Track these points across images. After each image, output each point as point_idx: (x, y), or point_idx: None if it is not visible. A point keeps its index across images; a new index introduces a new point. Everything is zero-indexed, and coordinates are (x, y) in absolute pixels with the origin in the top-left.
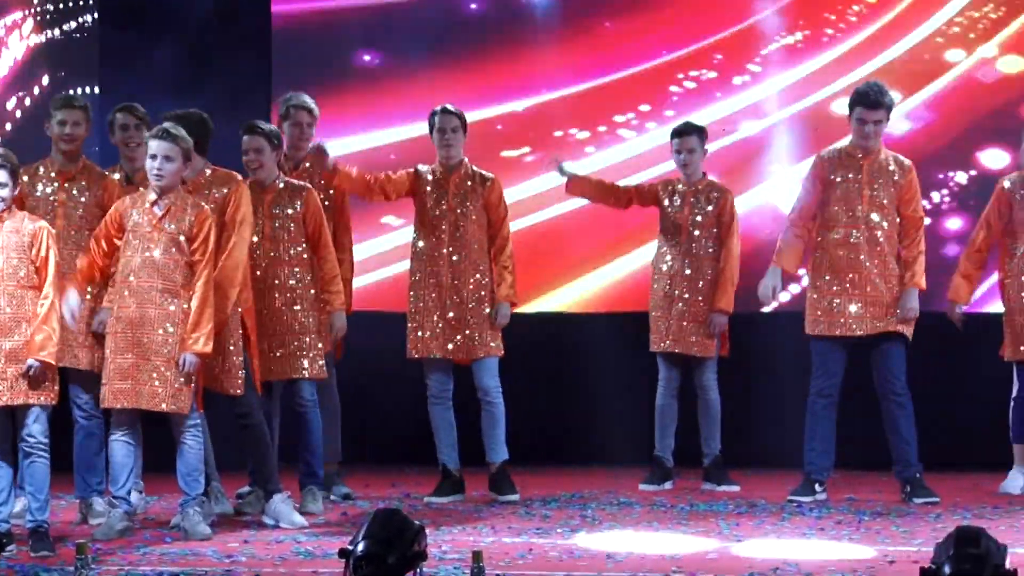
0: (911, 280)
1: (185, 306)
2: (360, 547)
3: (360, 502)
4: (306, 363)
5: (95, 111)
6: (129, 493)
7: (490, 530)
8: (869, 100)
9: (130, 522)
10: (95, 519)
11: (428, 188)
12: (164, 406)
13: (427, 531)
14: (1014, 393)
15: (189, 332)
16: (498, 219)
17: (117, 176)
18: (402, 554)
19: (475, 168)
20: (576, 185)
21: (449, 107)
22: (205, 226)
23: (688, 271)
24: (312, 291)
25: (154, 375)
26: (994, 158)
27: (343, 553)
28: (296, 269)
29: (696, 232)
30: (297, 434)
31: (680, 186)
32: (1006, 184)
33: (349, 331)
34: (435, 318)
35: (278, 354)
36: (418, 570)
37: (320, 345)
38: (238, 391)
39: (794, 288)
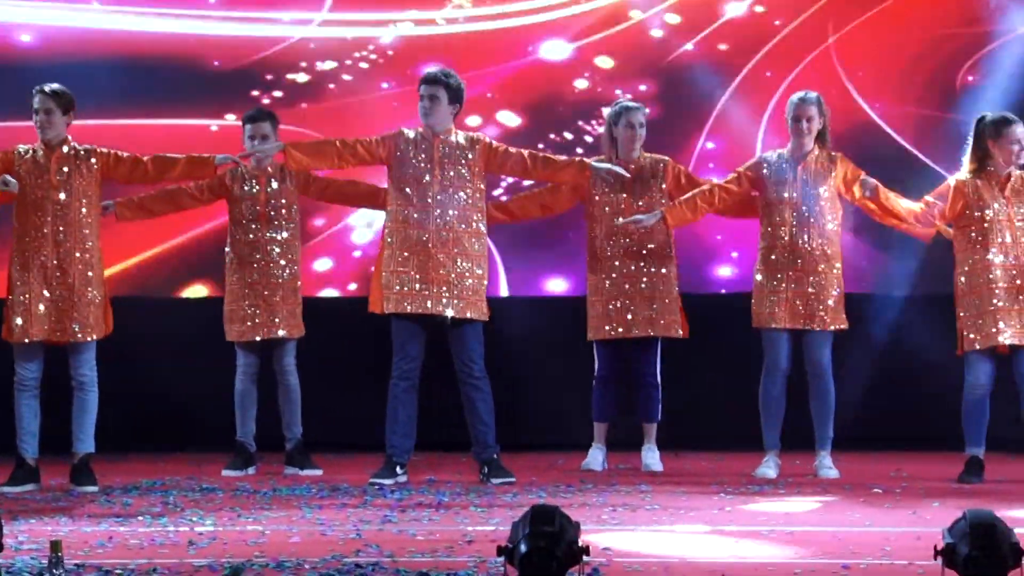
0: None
1: None
2: None
3: None
4: None
5: None
6: None
7: (68, 519)
8: (428, 76)
9: None
10: None
11: (27, 169)
12: None
13: (2, 521)
14: (595, 373)
15: None
16: (129, 161)
17: None
18: None
19: (77, 145)
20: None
21: (45, 88)
22: None
23: (259, 255)
24: None
25: None
26: None
27: None
28: None
29: (264, 215)
30: None
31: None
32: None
33: None
34: (38, 301)
35: None
36: None
37: None
38: None
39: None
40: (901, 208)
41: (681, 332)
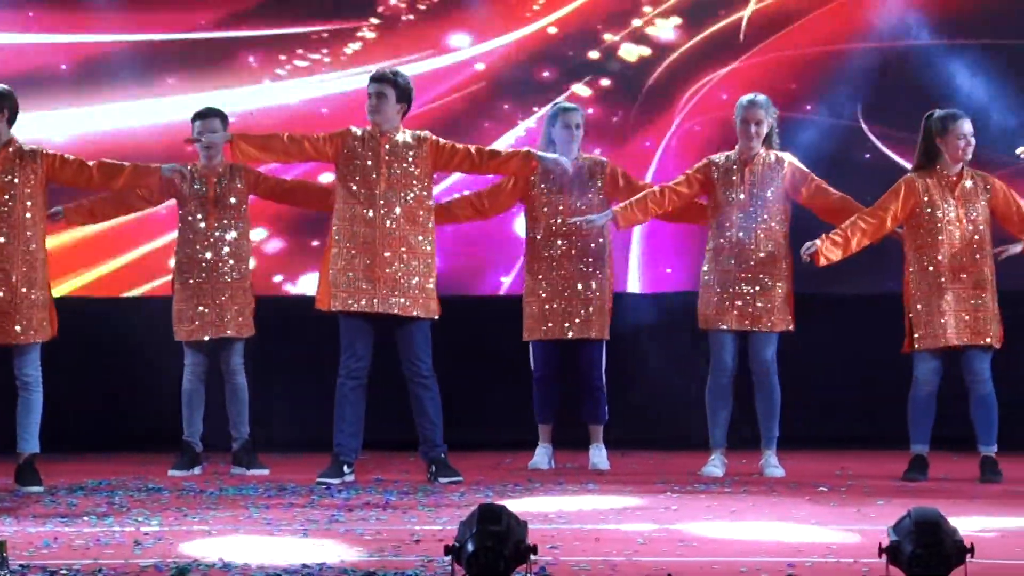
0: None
1: None
2: None
3: None
4: None
5: None
6: None
7: (13, 520)
8: (376, 74)
9: None
10: None
11: None
12: None
13: None
14: (534, 374)
15: None
16: (75, 165)
17: None
18: None
19: (23, 146)
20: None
21: None
22: None
23: (209, 254)
24: None
25: None
26: None
27: None
28: None
29: (214, 215)
30: None
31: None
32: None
33: None
34: None
35: None
36: None
37: None
38: None
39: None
40: (852, 241)
41: (606, 335)
